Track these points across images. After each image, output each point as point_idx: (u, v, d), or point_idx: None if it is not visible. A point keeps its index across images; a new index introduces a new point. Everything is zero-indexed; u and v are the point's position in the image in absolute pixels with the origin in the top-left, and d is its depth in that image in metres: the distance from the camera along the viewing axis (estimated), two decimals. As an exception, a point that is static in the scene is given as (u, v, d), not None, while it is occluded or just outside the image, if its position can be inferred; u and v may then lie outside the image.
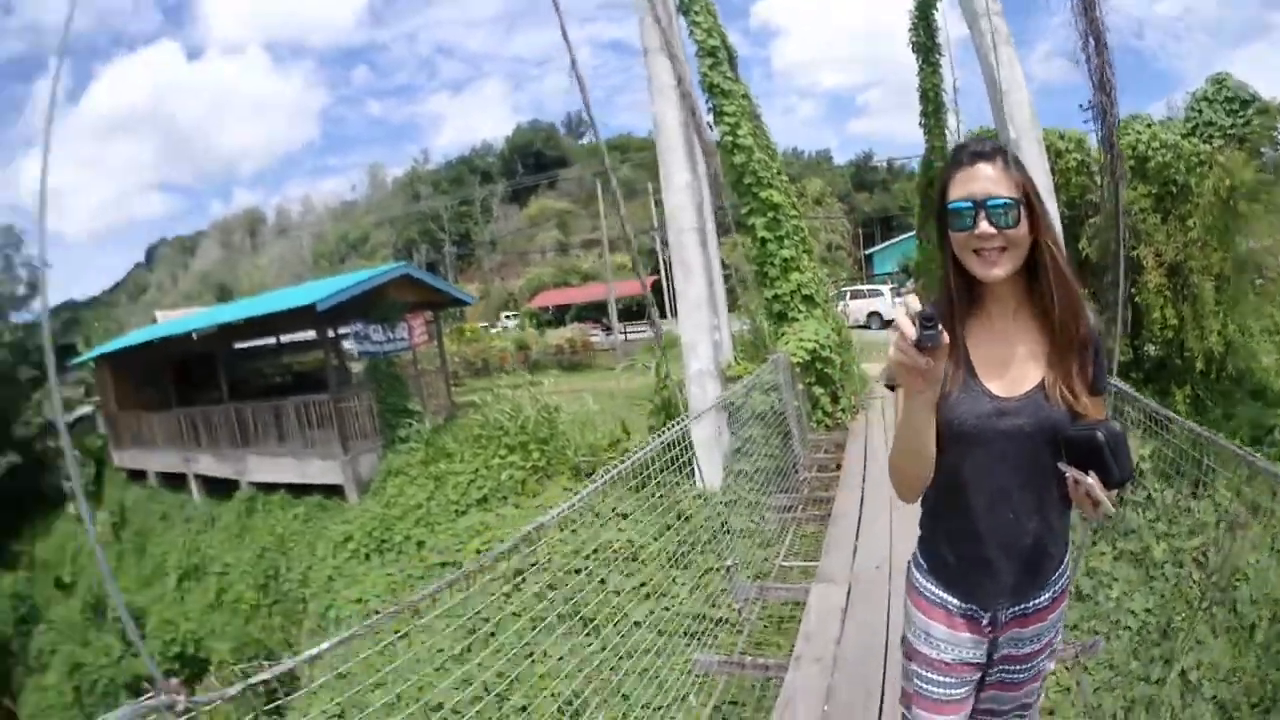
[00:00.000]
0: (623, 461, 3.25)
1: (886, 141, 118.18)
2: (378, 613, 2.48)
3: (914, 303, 1.17)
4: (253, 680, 1.68)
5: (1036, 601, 1.48)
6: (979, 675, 1.57)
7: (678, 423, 4.07)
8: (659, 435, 3.87)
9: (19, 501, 20.38)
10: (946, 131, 10.55)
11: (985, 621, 1.51)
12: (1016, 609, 1.49)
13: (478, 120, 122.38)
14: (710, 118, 7.81)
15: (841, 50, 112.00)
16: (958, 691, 1.55)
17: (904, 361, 1.18)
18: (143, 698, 1.57)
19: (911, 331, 1.15)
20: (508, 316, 36.83)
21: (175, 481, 15.46)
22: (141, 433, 16.38)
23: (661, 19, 6.56)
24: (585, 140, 62.97)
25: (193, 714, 1.54)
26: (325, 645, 1.86)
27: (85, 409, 22.90)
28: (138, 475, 17.09)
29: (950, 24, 13.35)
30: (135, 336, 18.86)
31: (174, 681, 1.54)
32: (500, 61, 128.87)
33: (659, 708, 3.23)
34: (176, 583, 12.75)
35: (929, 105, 10.53)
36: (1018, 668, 1.57)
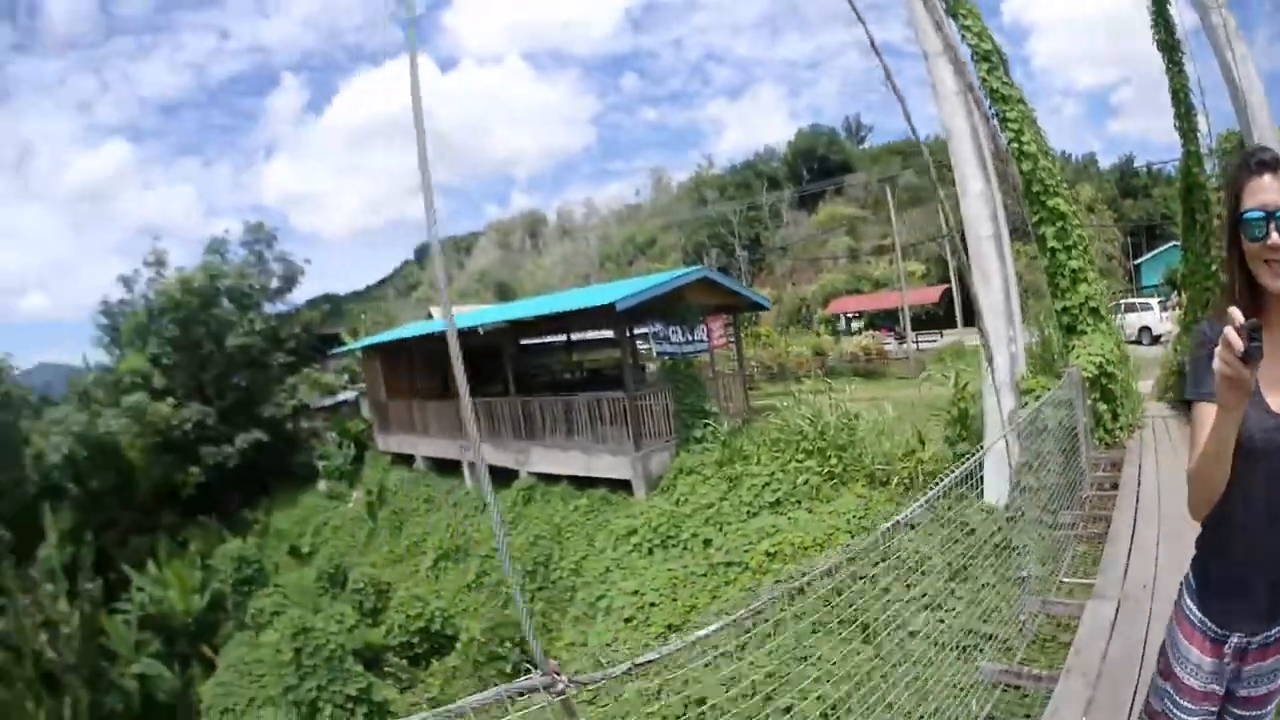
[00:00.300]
0: (934, 485, 3.76)
1: (1143, 144, 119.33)
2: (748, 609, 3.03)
3: (1237, 314, 1.25)
4: (639, 661, 2.09)
5: None
6: (1218, 709, 1.75)
7: (979, 448, 4.55)
8: (962, 455, 4.33)
9: (261, 476, 25.09)
10: (1198, 134, 10.31)
11: (1230, 647, 1.68)
12: (1262, 636, 1.64)
13: (756, 125, 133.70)
14: (995, 124, 8.22)
15: (1093, 46, 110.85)
16: None
17: (1228, 374, 1.27)
18: (522, 677, 1.96)
19: (1239, 344, 1.23)
20: (851, 318, 40.26)
21: (445, 467, 18.24)
22: (412, 419, 19.50)
23: (940, 23, 7.09)
24: (866, 145, 68.42)
25: (564, 695, 1.91)
26: (712, 627, 2.36)
27: (348, 394, 27.54)
28: (404, 459, 20.28)
29: (1184, 13, 12.53)
30: (412, 329, 22.40)
31: (553, 662, 1.91)
32: (770, 66, 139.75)
33: (921, 718, 3.71)
34: (433, 562, 15.17)
35: (1180, 107, 10.29)
36: (1253, 712, 1.74)
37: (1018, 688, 3.99)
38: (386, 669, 11.89)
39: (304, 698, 9.72)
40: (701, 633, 2.37)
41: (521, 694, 1.95)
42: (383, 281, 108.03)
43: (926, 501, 3.71)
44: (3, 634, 14.38)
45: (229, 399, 25.40)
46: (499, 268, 79.19)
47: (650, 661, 2.14)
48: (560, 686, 1.91)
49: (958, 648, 4.18)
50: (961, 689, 3.87)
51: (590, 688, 2.12)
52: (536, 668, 1.94)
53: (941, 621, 4.41)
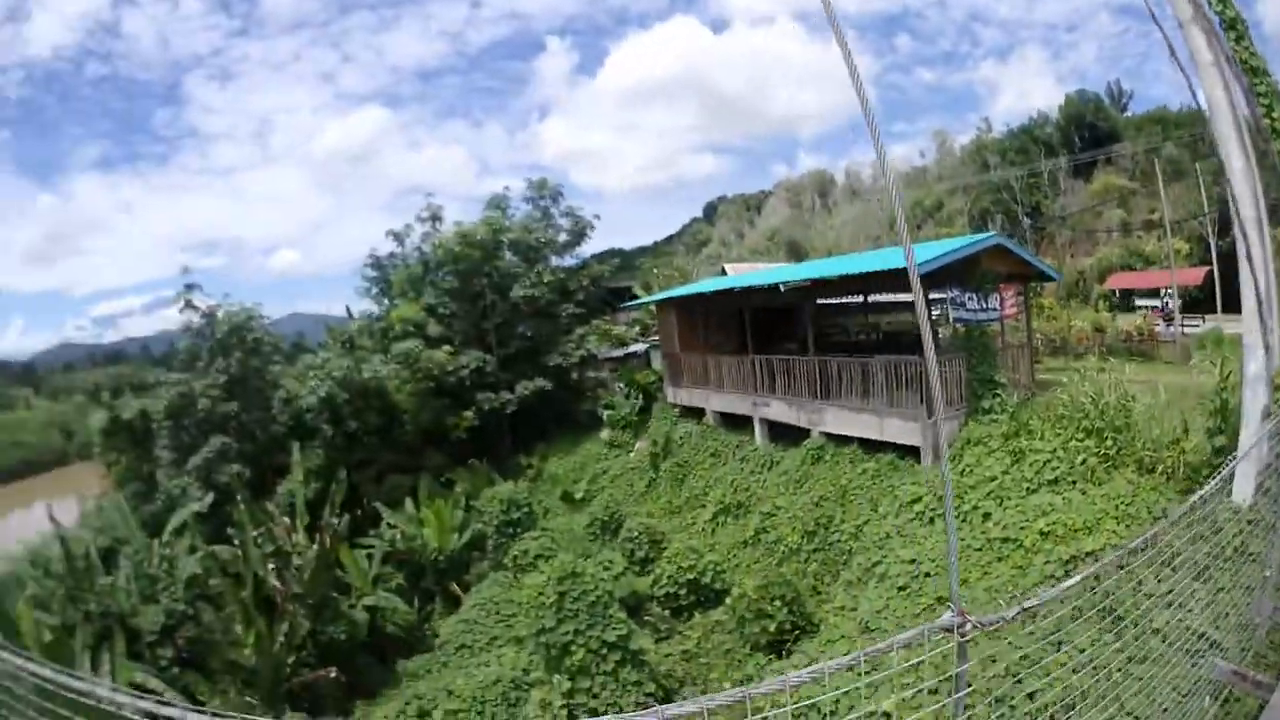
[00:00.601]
0: (1199, 483, 4.26)
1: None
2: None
3: None
4: (1026, 605, 2.70)
5: None
6: None
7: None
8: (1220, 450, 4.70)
9: (541, 423, 28.35)
10: None
11: None
12: None
13: (1026, 88, 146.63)
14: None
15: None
16: None
17: None
18: (936, 620, 2.54)
19: None
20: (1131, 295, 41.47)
21: (734, 423, 19.97)
22: (706, 373, 21.41)
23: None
24: (1129, 113, 70.94)
25: (966, 638, 2.56)
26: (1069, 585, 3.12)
27: (639, 346, 30.15)
28: (692, 412, 22.34)
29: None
30: (709, 284, 24.64)
31: (961, 606, 2.49)
32: (1033, 28, 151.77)
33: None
34: (712, 515, 16.79)
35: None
36: None
37: (1238, 700, 4.35)
38: (646, 617, 13.41)
39: (557, 640, 10.60)
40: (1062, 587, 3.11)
41: (935, 633, 2.59)
42: (670, 238, 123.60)
43: (1193, 504, 4.16)
44: (227, 562, 17.41)
45: (512, 347, 28.95)
46: (790, 226, 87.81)
47: (1037, 606, 2.79)
48: (967, 627, 2.55)
49: (1189, 650, 4.58)
50: (1184, 694, 4.31)
51: (988, 630, 2.73)
52: (954, 610, 2.61)
53: (1181, 621, 4.80)
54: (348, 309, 34.40)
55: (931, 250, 14.80)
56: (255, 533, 17.69)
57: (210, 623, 15.42)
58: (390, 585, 18.73)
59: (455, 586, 19.05)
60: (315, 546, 16.91)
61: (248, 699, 14.29)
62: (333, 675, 14.96)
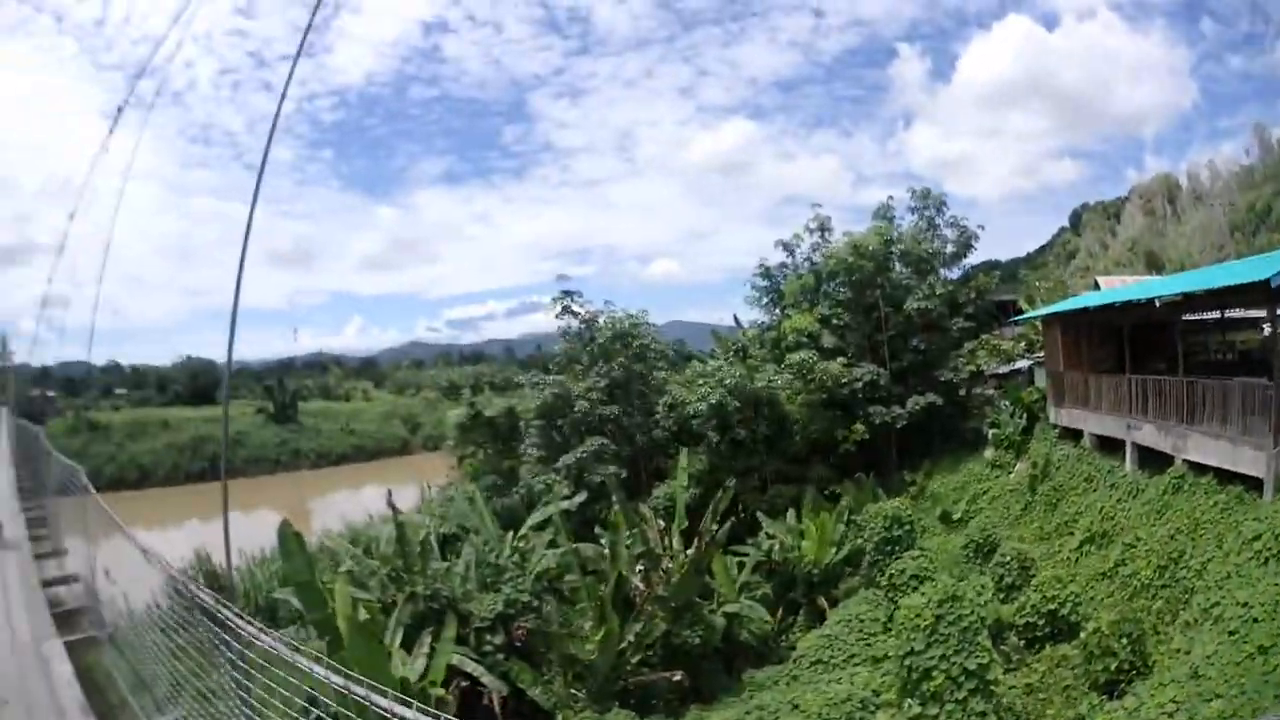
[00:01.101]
0: None
1: None
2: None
3: None
4: None
5: None
6: None
7: None
8: None
9: (927, 439, 31.35)
10: None
11: None
12: None
13: None
14: None
15: None
16: None
17: None
18: None
19: None
20: None
21: (1108, 446, 21.91)
22: (1085, 393, 23.49)
23: None
24: None
25: None
26: None
27: (1023, 362, 32.15)
28: (1070, 434, 24.48)
29: None
30: (1086, 299, 27.08)
31: None
32: None
33: None
34: (1078, 544, 18.79)
35: None
36: None
37: None
38: (1001, 646, 15.17)
39: (921, 664, 11.98)
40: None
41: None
42: (1042, 248, 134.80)
43: None
44: (588, 559, 21.03)
45: (904, 361, 32.57)
46: (1146, 236, 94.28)
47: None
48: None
49: None
50: None
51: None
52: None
53: None
54: (735, 317, 39.86)
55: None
56: (627, 533, 21.30)
57: (550, 614, 19.25)
58: (755, 594, 21.98)
59: (823, 601, 21.93)
60: (690, 550, 20.40)
61: (573, 691, 17.63)
62: (676, 679, 18.15)
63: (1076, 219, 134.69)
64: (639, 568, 20.20)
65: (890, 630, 16.17)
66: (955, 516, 25.17)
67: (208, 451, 79.03)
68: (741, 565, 22.94)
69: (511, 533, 23.34)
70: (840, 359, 31.31)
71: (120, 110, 15.63)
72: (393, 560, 20.53)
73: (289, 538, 15.94)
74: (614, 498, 23.75)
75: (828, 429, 30.84)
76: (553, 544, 22.49)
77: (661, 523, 23.79)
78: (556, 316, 32.90)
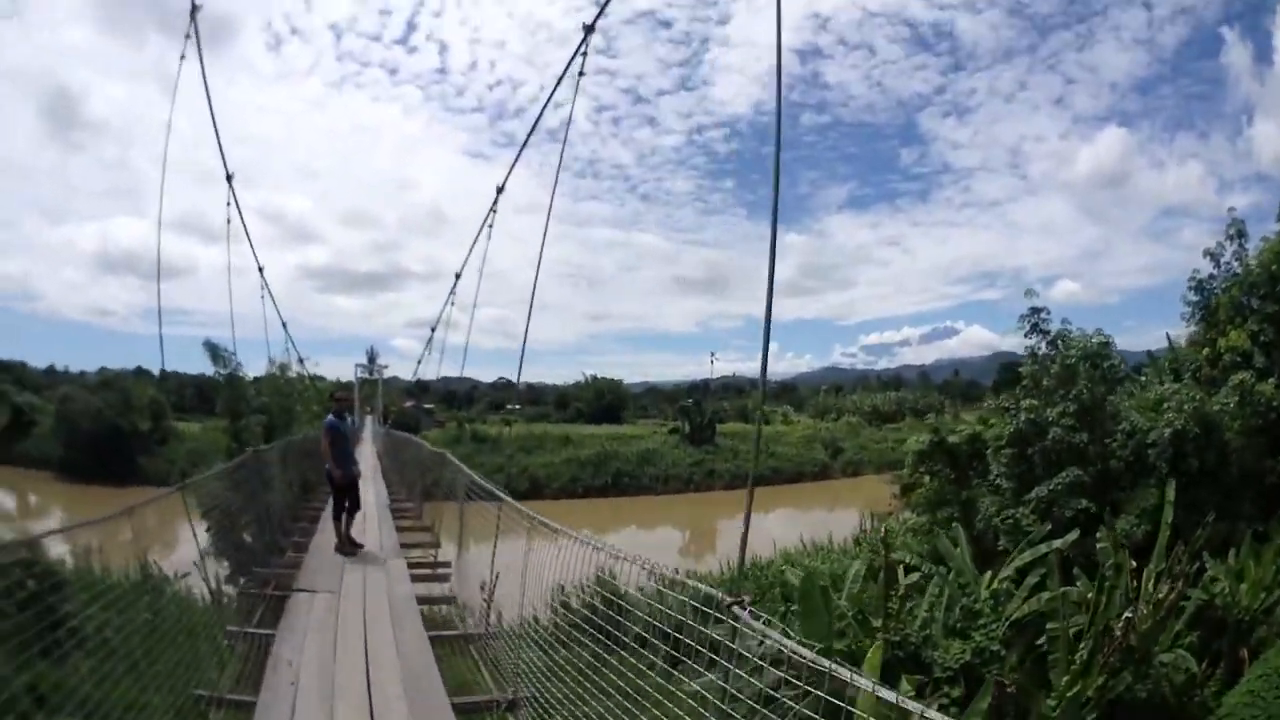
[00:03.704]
0: None
1: None
2: None
3: None
4: None
5: None
6: None
7: None
8: None
9: None
10: None
11: None
12: None
13: None
14: None
15: None
16: None
17: None
18: None
19: None
20: None
21: None
22: None
23: None
24: None
25: None
26: None
27: None
28: None
29: None
30: None
31: None
32: None
33: None
34: None
35: None
36: None
37: None
38: None
39: None
40: None
41: None
42: None
43: None
44: (1072, 606, 20.47)
45: None
46: None
47: None
48: None
49: None
50: None
51: None
52: None
53: None
54: (1168, 336, 38.37)
55: None
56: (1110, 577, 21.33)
57: (1018, 665, 19.29)
58: (1183, 642, 21.02)
59: (1244, 651, 20.95)
60: (1165, 594, 19.67)
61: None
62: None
63: None
64: (1126, 615, 19.77)
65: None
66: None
67: (612, 468, 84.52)
68: (1182, 610, 21.91)
69: (989, 573, 23.45)
70: (1272, 380, 29.53)
71: (500, 189, 17.45)
72: (863, 602, 20.94)
73: (813, 592, 17.02)
74: (1098, 536, 23.54)
75: (1257, 459, 29.05)
76: (1039, 586, 22.18)
77: (1133, 563, 23.09)
78: (1025, 335, 32.89)
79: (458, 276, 23.15)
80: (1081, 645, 18.45)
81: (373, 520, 21.47)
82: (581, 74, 12.92)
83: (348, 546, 17.49)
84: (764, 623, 5.17)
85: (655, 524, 68.73)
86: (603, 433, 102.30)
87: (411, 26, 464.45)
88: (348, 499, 17.77)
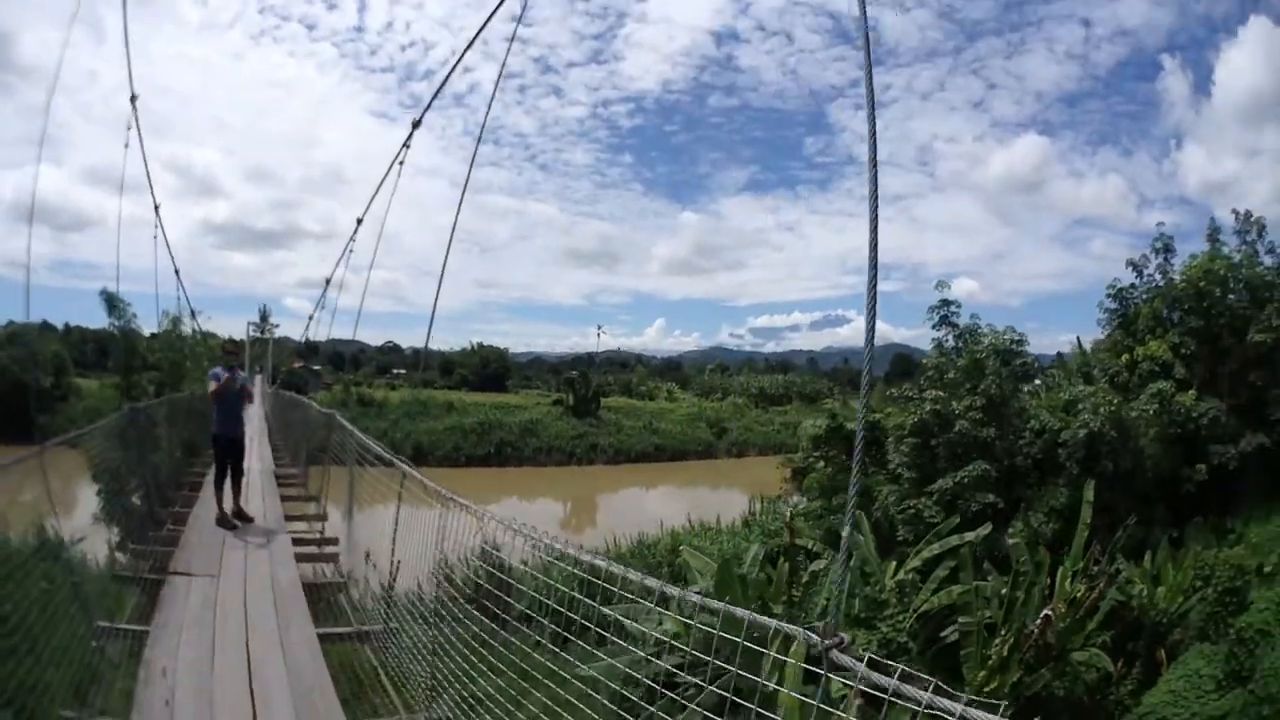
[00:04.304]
0: None
1: None
2: None
3: None
4: None
5: None
6: None
7: None
8: None
9: (1260, 484, 29.97)
10: None
11: None
12: None
13: None
14: None
15: None
16: None
17: None
18: None
19: None
20: None
21: None
22: None
23: None
24: None
25: None
26: None
27: None
28: None
29: None
30: None
31: None
32: None
33: None
34: None
35: None
36: None
37: None
38: None
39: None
40: None
41: None
42: None
43: None
44: (983, 601, 20.16)
45: (1241, 397, 31.62)
46: None
47: None
48: None
49: None
50: None
51: None
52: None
53: None
54: (1078, 340, 39.26)
55: None
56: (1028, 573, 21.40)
57: (925, 659, 19.02)
58: (1095, 641, 20.88)
59: (1161, 653, 21.23)
60: (1083, 593, 20.13)
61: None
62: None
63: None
64: (1045, 612, 19.44)
65: (1223, 690, 16.83)
66: (1267, 570, 23.78)
67: (495, 437, 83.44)
68: (1095, 610, 21.98)
69: (893, 563, 23.13)
70: (1192, 392, 30.74)
71: (416, 124, 16.46)
72: (763, 587, 20.31)
73: (730, 580, 16.77)
74: (1009, 532, 23.76)
75: (1173, 467, 30.08)
76: (949, 579, 21.66)
77: (1024, 557, 23.07)
78: (934, 327, 33.06)
79: (359, 221, 21.79)
80: (997, 640, 18.39)
81: (256, 488, 19.90)
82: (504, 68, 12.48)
83: (230, 519, 15.96)
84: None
85: (536, 495, 67.98)
86: (487, 401, 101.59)
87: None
88: (231, 464, 16.17)
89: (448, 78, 15.77)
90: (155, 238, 32.75)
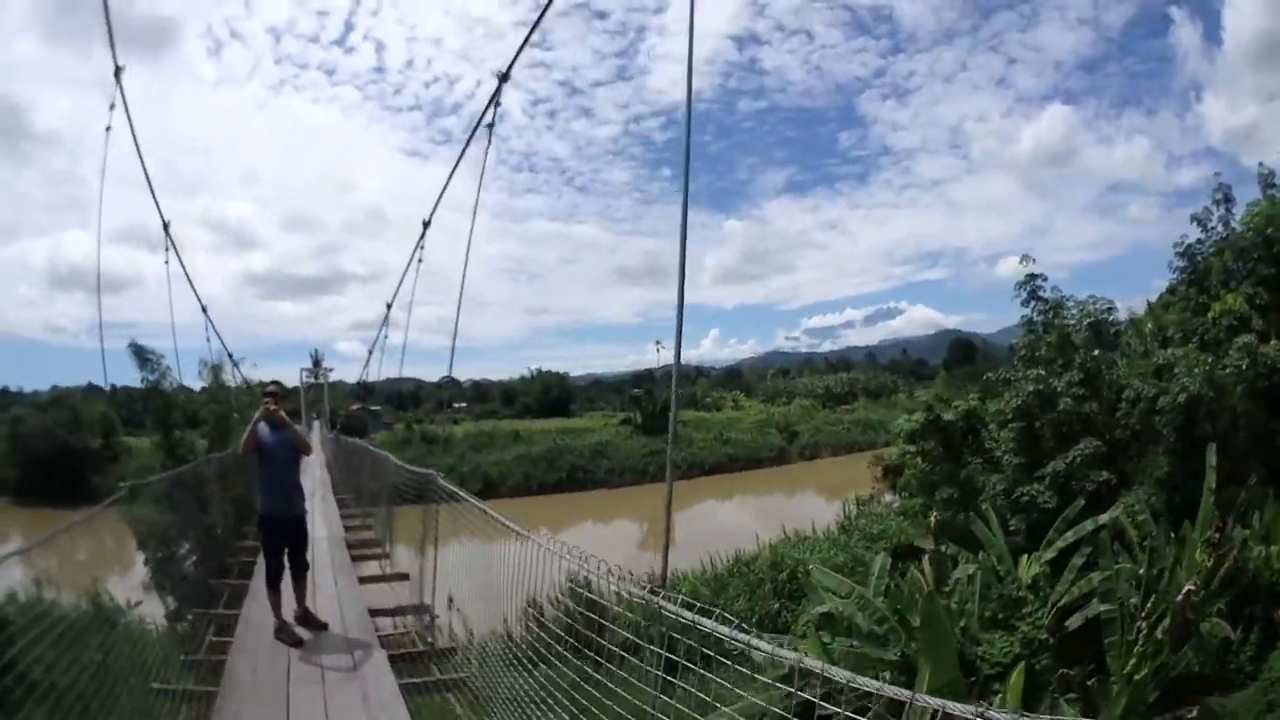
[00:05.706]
0: None
1: None
2: None
3: None
4: None
5: None
6: None
7: None
8: None
9: None
10: None
11: None
12: None
13: None
14: None
15: None
16: None
17: None
18: None
19: None
20: None
21: None
22: None
23: None
24: None
25: None
26: None
27: None
28: None
29: None
30: None
31: None
32: None
33: None
34: None
35: None
36: None
37: None
38: None
39: None
40: None
41: None
42: None
43: None
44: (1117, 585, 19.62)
45: None
46: None
47: None
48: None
49: None
50: None
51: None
52: None
53: None
54: (1148, 303, 38.17)
55: None
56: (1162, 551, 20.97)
57: (1069, 653, 18.16)
58: (1211, 609, 20.06)
59: (1279, 615, 20.48)
60: (1214, 564, 19.12)
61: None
62: (1192, 716, 16.34)
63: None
64: (1187, 588, 18.65)
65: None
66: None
67: (566, 463, 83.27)
68: (1228, 580, 21.19)
69: (1026, 556, 22.26)
70: (1273, 342, 29.05)
71: (461, 157, 16.28)
72: (905, 600, 19.32)
73: (937, 620, 15.21)
74: (1136, 508, 22.90)
75: (1266, 422, 28.58)
76: (1087, 566, 20.84)
77: (1173, 534, 22.36)
78: (1022, 304, 32.25)
79: (406, 270, 21.85)
80: (1139, 624, 17.42)
81: (324, 566, 15.54)
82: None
83: (294, 630, 11.39)
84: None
85: (612, 517, 67.46)
86: (553, 427, 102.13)
87: (349, 27, 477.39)
88: (290, 554, 11.73)
89: (477, 126, 15.05)
90: (166, 262, 28.36)
